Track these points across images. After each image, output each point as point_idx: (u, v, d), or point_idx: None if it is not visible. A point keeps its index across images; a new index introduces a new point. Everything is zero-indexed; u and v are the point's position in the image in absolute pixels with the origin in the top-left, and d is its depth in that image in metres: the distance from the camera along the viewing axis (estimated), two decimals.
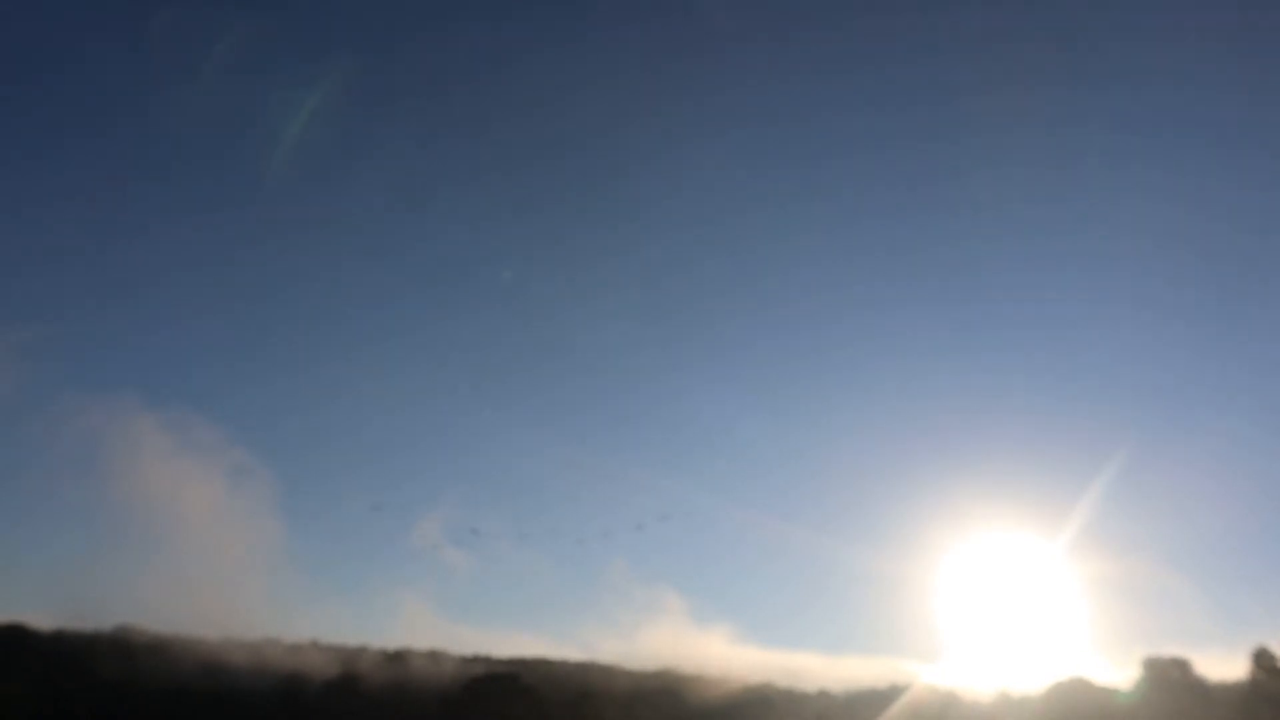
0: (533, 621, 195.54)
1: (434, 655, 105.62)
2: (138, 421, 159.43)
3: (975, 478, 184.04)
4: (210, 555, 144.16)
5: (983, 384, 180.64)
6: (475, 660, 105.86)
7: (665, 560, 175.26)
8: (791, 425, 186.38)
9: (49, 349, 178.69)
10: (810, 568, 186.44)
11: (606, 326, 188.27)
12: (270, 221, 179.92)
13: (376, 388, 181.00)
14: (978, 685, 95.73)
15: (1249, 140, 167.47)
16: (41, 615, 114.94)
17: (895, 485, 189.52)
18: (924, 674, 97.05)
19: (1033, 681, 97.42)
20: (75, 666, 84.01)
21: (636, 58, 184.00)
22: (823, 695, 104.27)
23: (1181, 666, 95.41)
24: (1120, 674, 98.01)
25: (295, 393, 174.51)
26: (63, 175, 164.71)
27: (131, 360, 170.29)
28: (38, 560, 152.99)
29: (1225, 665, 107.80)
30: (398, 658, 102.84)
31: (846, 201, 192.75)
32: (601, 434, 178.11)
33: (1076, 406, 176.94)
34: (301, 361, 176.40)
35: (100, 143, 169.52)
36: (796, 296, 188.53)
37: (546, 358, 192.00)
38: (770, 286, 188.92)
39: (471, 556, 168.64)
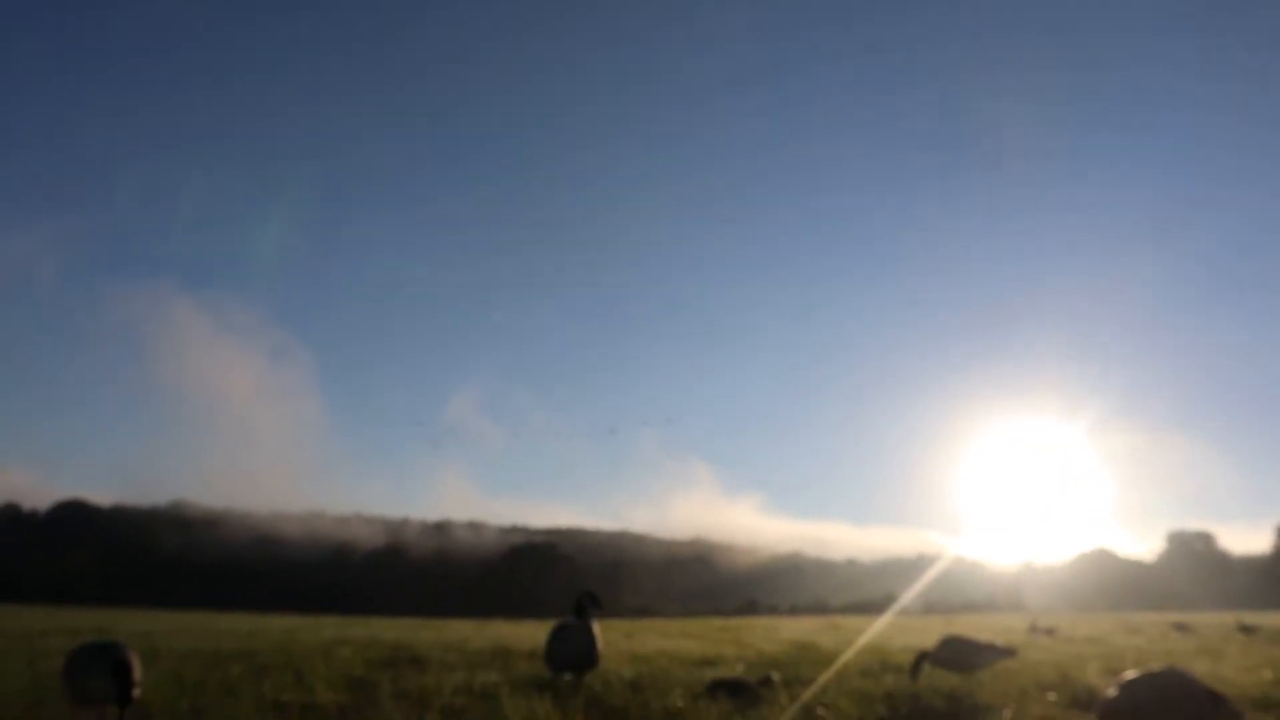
0: (566, 494, 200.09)
1: (474, 526, 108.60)
2: (177, 305, 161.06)
3: (1002, 352, 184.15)
4: (258, 433, 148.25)
5: (1013, 258, 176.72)
6: (513, 530, 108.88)
7: (695, 432, 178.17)
8: (817, 297, 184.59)
9: (84, 237, 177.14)
10: (837, 441, 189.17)
11: (630, 198, 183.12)
12: (299, 89, 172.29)
13: (406, 260, 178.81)
14: (1002, 558, 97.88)
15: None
16: (101, 492, 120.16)
17: (921, 360, 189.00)
18: (950, 546, 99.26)
19: (1057, 554, 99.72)
20: (134, 540, 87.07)
21: None
22: (851, 564, 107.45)
23: (1205, 540, 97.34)
24: (1144, 547, 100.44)
25: (325, 271, 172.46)
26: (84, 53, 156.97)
27: (161, 244, 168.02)
28: (96, 441, 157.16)
29: (1250, 539, 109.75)
30: (439, 528, 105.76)
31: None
32: (630, 309, 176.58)
33: (1106, 284, 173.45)
34: (330, 238, 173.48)
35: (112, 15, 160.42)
36: (826, 168, 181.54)
37: (568, 230, 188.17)
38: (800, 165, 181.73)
39: (505, 431, 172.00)
